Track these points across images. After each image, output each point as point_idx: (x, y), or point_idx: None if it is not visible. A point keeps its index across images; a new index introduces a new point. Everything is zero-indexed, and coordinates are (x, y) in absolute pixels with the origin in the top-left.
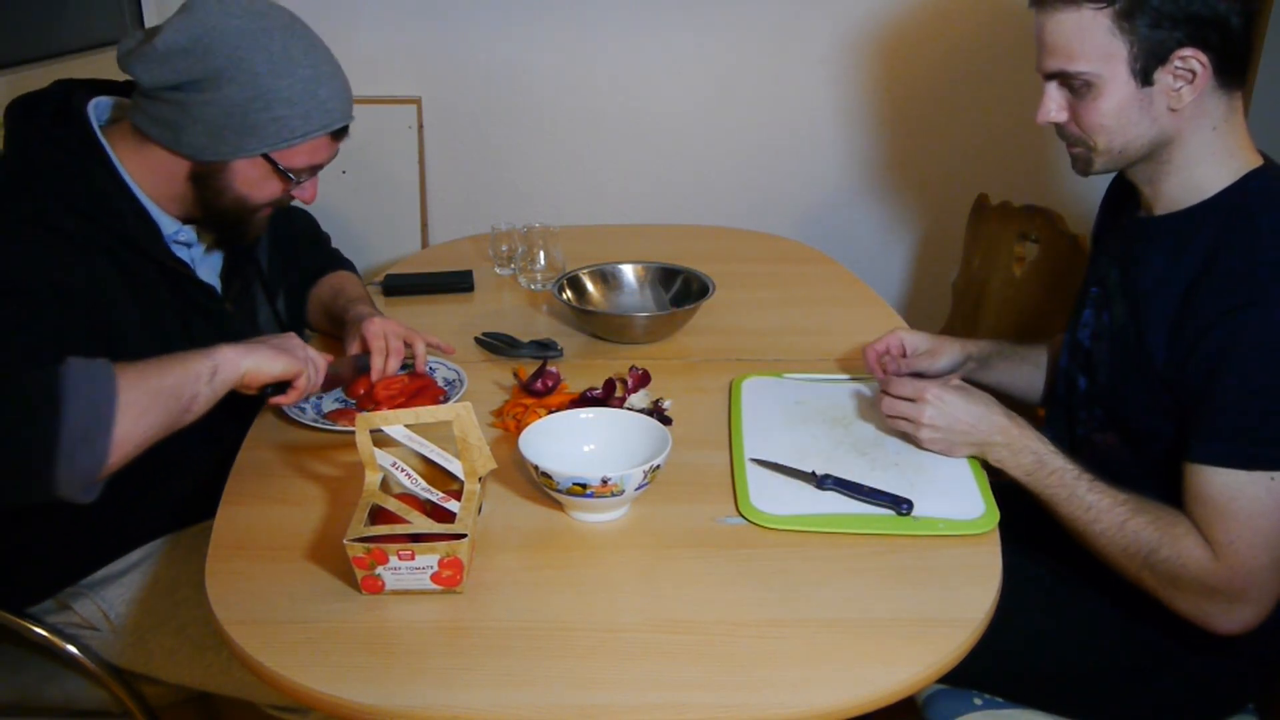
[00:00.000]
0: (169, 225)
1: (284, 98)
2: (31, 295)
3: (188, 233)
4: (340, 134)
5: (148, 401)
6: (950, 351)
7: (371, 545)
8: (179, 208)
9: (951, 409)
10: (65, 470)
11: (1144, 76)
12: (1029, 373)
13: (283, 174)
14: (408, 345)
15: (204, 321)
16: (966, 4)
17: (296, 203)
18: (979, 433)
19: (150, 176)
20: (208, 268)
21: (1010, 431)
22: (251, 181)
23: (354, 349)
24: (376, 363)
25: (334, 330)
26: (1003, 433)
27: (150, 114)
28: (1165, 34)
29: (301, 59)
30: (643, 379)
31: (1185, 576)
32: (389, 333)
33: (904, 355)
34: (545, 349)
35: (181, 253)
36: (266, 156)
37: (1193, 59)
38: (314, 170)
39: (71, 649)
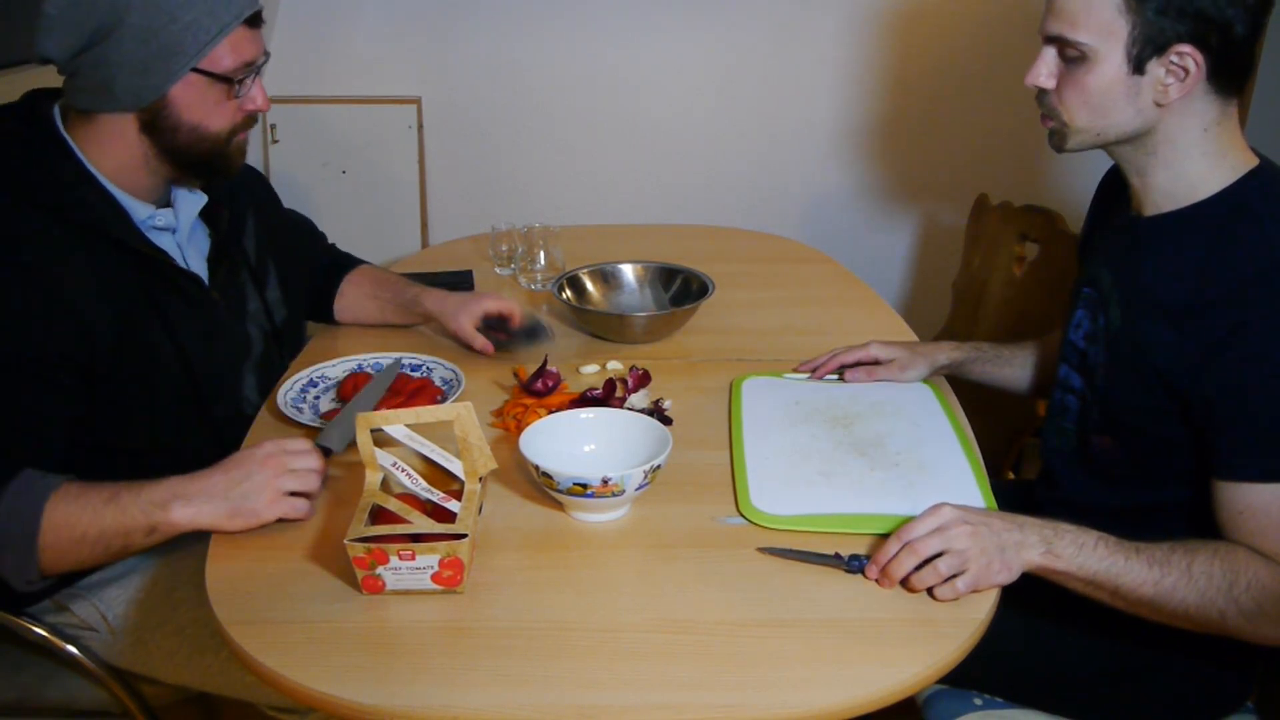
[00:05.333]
0: (141, 210)
1: (183, 2)
2: None
3: (165, 216)
4: (255, 21)
5: (68, 547)
6: (918, 364)
7: (372, 545)
8: (147, 182)
9: (978, 515)
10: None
11: (1137, 63)
12: (1012, 374)
13: (220, 80)
14: (506, 317)
15: (189, 310)
16: (967, 5)
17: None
18: (1017, 527)
19: (110, 157)
20: (195, 255)
21: (1039, 523)
22: (195, 104)
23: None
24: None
25: (386, 318)
26: (1034, 526)
27: (80, 87)
28: (1169, 24)
29: None
30: (643, 379)
31: (1269, 598)
32: (486, 313)
33: (876, 364)
34: (533, 335)
35: (163, 240)
36: (196, 70)
37: (1189, 56)
38: (249, 69)
39: (71, 649)
